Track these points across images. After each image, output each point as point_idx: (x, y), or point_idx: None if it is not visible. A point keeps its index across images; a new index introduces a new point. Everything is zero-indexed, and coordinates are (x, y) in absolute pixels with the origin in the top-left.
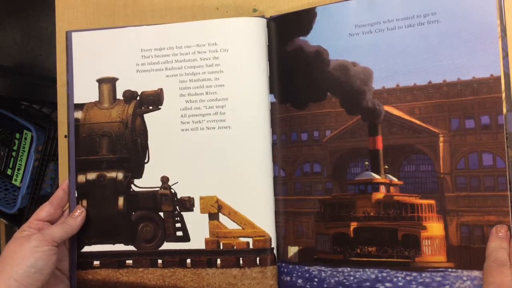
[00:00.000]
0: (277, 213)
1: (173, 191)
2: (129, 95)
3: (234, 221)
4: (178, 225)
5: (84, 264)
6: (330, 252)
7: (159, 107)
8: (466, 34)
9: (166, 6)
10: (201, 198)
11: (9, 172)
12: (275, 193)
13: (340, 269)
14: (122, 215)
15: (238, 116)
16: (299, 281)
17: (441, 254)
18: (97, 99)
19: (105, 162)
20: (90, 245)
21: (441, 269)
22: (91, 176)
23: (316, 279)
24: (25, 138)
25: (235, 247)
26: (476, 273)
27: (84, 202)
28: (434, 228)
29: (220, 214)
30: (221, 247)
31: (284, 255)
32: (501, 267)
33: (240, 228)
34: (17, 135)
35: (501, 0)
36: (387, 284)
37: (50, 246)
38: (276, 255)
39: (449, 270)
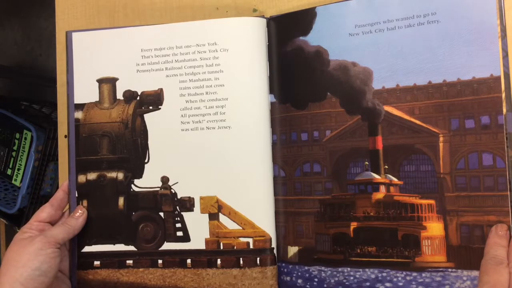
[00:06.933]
0: (277, 213)
1: (173, 191)
2: (129, 95)
3: (234, 221)
4: (178, 225)
5: (84, 264)
6: (330, 252)
7: (159, 107)
8: (466, 34)
9: (166, 6)
10: (201, 198)
11: (9, 172)
12: (275, 193)
13: (340, 269)
14: (122, 215)
15: (238, 116)
16: (299, 281)
17: (441, 254)
18: (97, 99)
19: (105, 162)
20: (91, 245)
21: (441, 269)
22: (92, 176)
23: (316, 279)
24: (25, 138)
25: (235, 247)
26: (476, 273)
27: (85, 202)
28: (434, 228)
29: (220, 214)
30: (221, 247)
31: (284, 255)
32: (498, 265)
33: (240, 228)
34: (17, 135)
35: (501, 0)
36: (387, 284)
37: (53, 248)
38: (276, 255)
39: (449, 270)
